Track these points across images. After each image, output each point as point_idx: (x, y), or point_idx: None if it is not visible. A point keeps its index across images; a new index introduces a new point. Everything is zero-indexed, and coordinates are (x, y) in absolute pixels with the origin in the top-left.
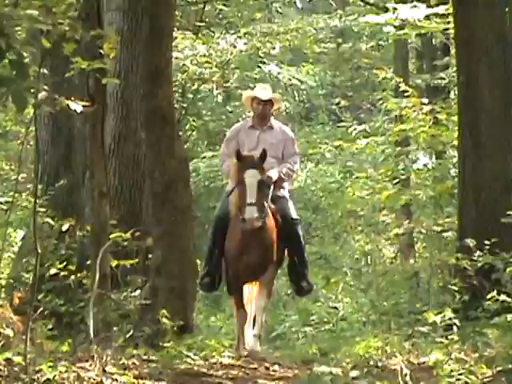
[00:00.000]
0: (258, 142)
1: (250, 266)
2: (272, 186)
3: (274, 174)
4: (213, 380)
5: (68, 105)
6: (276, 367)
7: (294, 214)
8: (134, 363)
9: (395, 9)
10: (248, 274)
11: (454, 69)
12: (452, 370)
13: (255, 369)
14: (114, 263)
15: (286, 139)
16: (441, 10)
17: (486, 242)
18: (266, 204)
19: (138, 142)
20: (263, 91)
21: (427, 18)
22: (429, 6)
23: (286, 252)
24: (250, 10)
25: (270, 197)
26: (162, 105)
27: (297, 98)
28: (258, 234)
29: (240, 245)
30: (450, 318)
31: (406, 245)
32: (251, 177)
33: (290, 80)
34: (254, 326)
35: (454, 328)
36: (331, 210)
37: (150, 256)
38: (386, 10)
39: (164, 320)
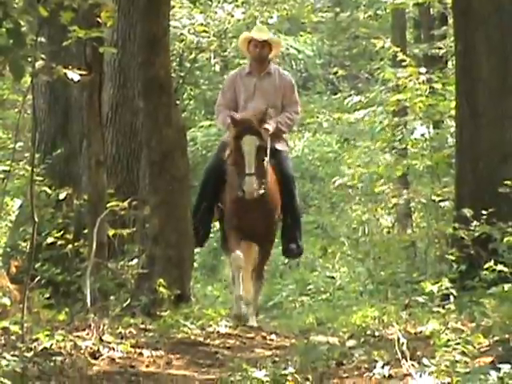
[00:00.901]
0: (254, 90)
1: (251, 230)
2: (269, 139)
3: (271, 125)
4: (209, 349)
5: (65, 73)
6: (273, 336)
7: (290, 171)
8: (130, 332)
9: None
10: (246, 235)
11: (452, 38)
12: (449, 340)
13: (252, 338)
14: (111, 232)
15: (286, 86)
16: None
17: (483, 212)
18: (266, 169)
19: (136, 111)
20: (260, 32)
21: None
22: None
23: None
24: None
25: (268, 154)
26: (159, 73)
27: (294, 67)
28: (262, 199)
29: (241, 209)
30: (447, 288)
31: (403, 214)
32: (249, 144)
33: (288, 49)
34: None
35: (451, 298)
36: (328, 180)
37: (147, 225)
38: None
39: (161, 289)
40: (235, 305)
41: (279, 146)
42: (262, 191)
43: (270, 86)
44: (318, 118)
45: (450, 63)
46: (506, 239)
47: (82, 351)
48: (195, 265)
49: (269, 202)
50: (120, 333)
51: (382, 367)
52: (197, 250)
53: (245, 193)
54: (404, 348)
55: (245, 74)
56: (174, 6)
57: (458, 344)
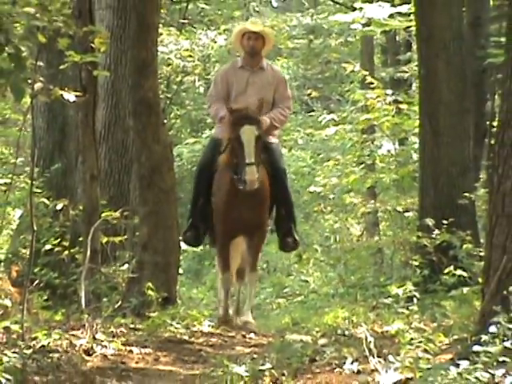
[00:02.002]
0: (247, 84)
1: (242, 223)
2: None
3: (265, 120)
4: (194, 347)
5: (62, 95)
6: (252, 335)
7: (282, 164)
8: (121, 331)
9: (362, 8)
10: (238, 231)
11: (416, 63)
12: (412, 339)
13: (233, 337)
14: (104, 240)
15: (278, 82)
16: (403, 9)
17: (444, 222)
18: (260, 160)
19: (126, 129)
20: (253, 25)
21: (391, 16)
22: (392, 6)
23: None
24: (229, 9)
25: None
26: (148, 95)
27: None
28: (254, 190)
29: (232, 202)
30: (411, 291)
31: (371, 224)
32: (248, 134)
33: None
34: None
35: (415, 300)
36: (303, 192)
37: (136, 233)
38: (354, 9)
39: (149, 292)
40: (219, 307)
41: (270, 140)
42: (258, 184)
43: (263, 81)
44: (293, 135)
45: (414, 86)
46: (464, 246)
47: (76, 349)
48: (181, 270)
49: (261, 194)
50: (112, 332)
51: (352, 363)
52: (182, 256)
53: (246, 183)
54: (371, 346)
55: (238, 67)
56: (161, 34)
57: (420, 342)
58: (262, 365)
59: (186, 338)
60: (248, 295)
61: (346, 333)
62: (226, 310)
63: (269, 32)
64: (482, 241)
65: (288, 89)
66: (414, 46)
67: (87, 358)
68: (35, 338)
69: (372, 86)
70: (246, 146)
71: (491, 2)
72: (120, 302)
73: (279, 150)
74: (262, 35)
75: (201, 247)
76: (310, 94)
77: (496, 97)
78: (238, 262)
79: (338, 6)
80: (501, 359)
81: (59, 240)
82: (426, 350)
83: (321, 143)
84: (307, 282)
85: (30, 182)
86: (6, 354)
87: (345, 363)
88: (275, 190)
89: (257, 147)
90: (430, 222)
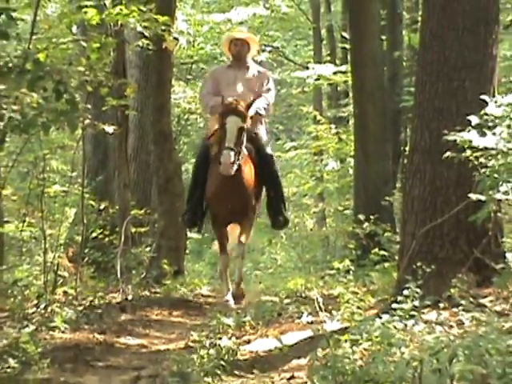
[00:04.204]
0: (235, 78)
1: (229, 208)
2: (248, 123)
3: (250, 111)
4: (196, 305)
5: (104, 128)
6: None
7: (269, 150)
8: (145, 294)
9: (314, 68)
10: (227, 216)
11: (351, 106)
12: (349, 299)
13: (222, 297)
14: (133, 230)
15: (263, 76)
16: (343, 68)
17: (371, 217)
18: (242, 151)
19: (149, 152)
20: (239, 32)
21: (334, 73)
22: (335, 65)
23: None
24: None
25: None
26: (164, 128)
27: None
28: (237, 178)
29: (219, 188)
30: (348, 265)
31: (320, 218)
32: (232, 122)
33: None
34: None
35: (351, 272)
36: None
37: (156, 225)
38: (308, 68)
39: (165, 266)
40: (225, 294)
41: (259, 130)
42: (234, 170)
43: (249, 75)
44: None
45: (350, 122)
46: (385, 234)
47: (114, 306)
48: (187, 250)
49: (244, 182)
50: (139, 294)
51: (307, 316)
52: (188, 241)
53: (221, 165)
54: (320, 304)
55: (226, 68)
56: (173, 85)
57: (355, 301)
58: (244, 317)
59: (190, 298)
60: (238, 269)
61: (303, 295)
62: (226, 285)
63: (253, 38)
64: (397, 230)
65: (271, 83)
66: (351, 94)
67: (121, 312)
68: (85, 299)
69: (321, 122)
70: (228, 132)
71: (403, 64)
72: (144, 274)
73: (267, 139)
74: (247, 41)
75: (199, 235)
76: (277, 128)
77: (407, 130)
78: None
79: (297, 65)
80: (411, 313)
81: (102, 230)
82: (358, 307)
83: (285, 162)
84: (276, 259)
85: (81, 189)
86: (64, 310)
87: (302, 316)
88: (263, 175)
89: (238, 136)
90: (361, 217)
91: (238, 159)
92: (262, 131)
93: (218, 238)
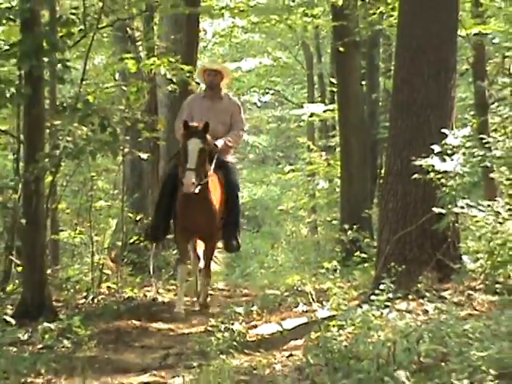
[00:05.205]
0: (207, 109)
1: (194, 225)
2: (217, 154)
3: (219, 142)
4: (214, 296)
5: (139, 155)
6: (245, 290)
7: (235, 178)
8: (173, 288)
9: (308, 106)
10: (192, 232)
11: (338, 137)
12: (336, 292)
13: (234, 291)
14: None
15: (233, 108)
16: (331, 107)
17: (354, 226)
18: (205, 170)
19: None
20: (212, 63)
21: (324, 111)
22: (325, 105)
23: None
24: None
25: (213, 163)
26: None
27: (257, 152)
28: (202, 197)
29: (185, 205)
30: (336, 265)
31: (313, 227)
32: (193, 144)
33: (254, 143)
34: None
35: (337, 270)
36: (274, 209)
37: None
38: (302, 107)
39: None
40: (177, 305)
41: (227, 158)
42: (196, 189)
43: (221, 108)
44: (270, 177)
45: (337, 150)
46: (365, 240)
47: (147, 298)
48: None
49: (208, 202)
50: (167, 288)
51: (302, 306)
52: None
53: (183, 185)
54: (313, 296)
55: (200, 97)
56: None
57: (341, 294)
58: (252, 306)
59: (211, 292)
60: (202, 287)
61: (299, 289)
62: (180, 296)
63: (226, 68)
64: (374, 237)
65: (241, 114)
66: (337, 128)
67: (153, 303)
68: (124, 292)
69: (313, 150)
70: (189, 154)
71: (380, 103)
72: (172, 272)
73: (234, 167)
74: (220, 71)
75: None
76: (278, 155)
77: (383, 157)
78: (198, 259)
79: (294, 105)
80: (386, 304)
81: (138, 237)
82: (344, 299)
83: (285, 182)
84: (277, 260)
85: (121, 204)
86: (107, 300)
87: (298, 306)
88: (227, 200)
89: (199, 157)
90: (346, 226)
91: (201, 179)
92: (230, 160)
93: (179, 246)
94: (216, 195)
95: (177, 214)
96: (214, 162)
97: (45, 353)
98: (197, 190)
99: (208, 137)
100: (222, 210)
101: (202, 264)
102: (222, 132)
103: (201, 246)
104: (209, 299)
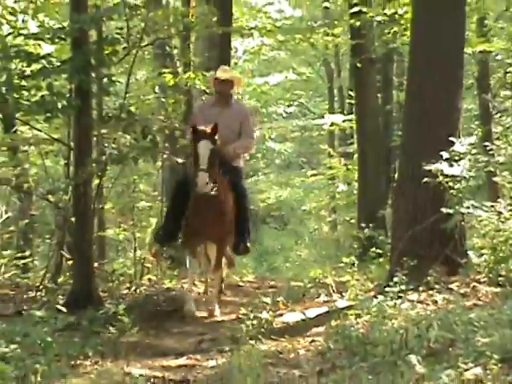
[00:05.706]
0: (217, 117)
1: (206, 226)
2: (226, 159)
3: (228, 149)
4: (243, 288)
5: (177, 160)
6: (272, 282)
7: (244, 183)
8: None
9: (328, 117)
10: (203, 234)
11: (356, 145)
12: (354, 284)
13: (262, 283)
14: None
15: (243, 116)
16: (350, 117)
17: (370, 225)
18: (216, 171)
19: None
20: (223, 72)
21: (343, 121)
22: (344, 115)
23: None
24: None
25: (218, 166)
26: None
27: (283, 158)
28: (215, 200)
29: (198, 208)
30: (353, 260)
31: (333, 225)
32: (203, 146)
33: (280, 149)
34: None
35: (355, 264)
36: (297, 209)
37: None
38: (324, 117)
39: None
40: (186, 302)
41: (235, 163)
42: (213, 191)
43: (230, 115)
44: (294, 181)
45: (355, 156)
46: (380, 238)
47: (184, 288)
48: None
49: (220, 205)
50: (201, 280)
51: (323, 297)
52: None
53: (197, 186)
54: (333, 288)
55: (211, 104)
56: None
57: (358, 286)
58: (278, 297)
59: (239, 283)
60: (213, 289)
61: (321, 281)
62: (188, 292)
63: (236, 77)
64: (389, 235)
65: (251, 122)
66: (355, 136)
67: (190, 293)
68: (163, 283)
69: (333, 156)
70: (200, 155)
71: (394, 114)
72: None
73: (242, 173)
74: (231, 80)
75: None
76: (302, 161)
77: (396, 163)
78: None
79: (316, 115)
80: (399, 295)
81: None
82: (361, 290)
83: (307, 185)
84: (301, 255)
85: (161, 204)
86: (148, 291)
87: (320, 296)
88: (237, 205)
89: (211, 158)
90: (363, 225)
91: (214, 179)
92: (239, 166)
93: (189, 246)
94: (227, 198)
95: (189, 217)
96: (223, 166)
97: (92, 338)
98: (212, 191)
99: (217, 138)
100: (232, 213)
101: (212, 265)
102: (231, 138)
103: (211, 251)
104: (217, 306)
